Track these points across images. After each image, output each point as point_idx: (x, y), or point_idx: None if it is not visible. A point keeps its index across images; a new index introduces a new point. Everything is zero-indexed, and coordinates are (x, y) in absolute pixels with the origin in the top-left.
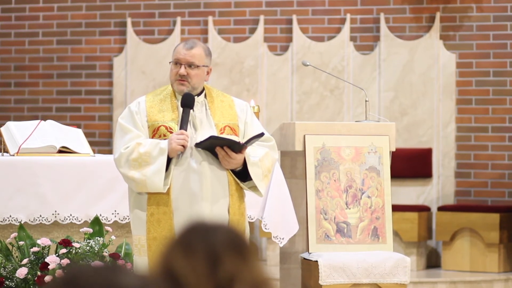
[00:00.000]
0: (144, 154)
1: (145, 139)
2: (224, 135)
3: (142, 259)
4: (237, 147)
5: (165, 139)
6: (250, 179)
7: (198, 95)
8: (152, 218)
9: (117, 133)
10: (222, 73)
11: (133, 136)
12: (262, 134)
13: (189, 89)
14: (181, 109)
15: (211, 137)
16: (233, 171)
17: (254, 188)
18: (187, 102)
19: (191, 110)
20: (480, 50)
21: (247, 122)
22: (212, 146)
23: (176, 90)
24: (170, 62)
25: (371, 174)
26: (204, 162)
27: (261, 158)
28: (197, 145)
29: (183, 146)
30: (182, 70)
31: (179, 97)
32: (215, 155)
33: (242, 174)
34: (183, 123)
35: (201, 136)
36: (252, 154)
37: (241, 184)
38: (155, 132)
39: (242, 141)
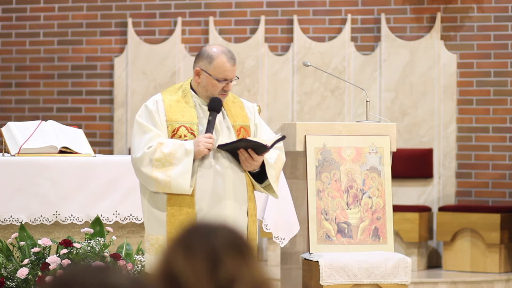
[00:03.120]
0: (168, 155)
1: (167, 139)
2: (250, 138)
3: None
4: (262, 149)
5: (185, 139)
6: (265, 180)
7: None
8: (174, 218)
9: (136, 132)
10: None
11: (153, 135)
12: (284, 137)
13: None
14: (200, 109)
15: (242, 140)
16: (250, 172)
17: (268, 189)
18: (215, 106)
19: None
20: (481, 51)
21: (257, 123)
22: (235, 148)
23: None
24: (205, 73)
25: (372, 175)
26: (227, 164)
27: (276, 160)
28: (221, 146)
29: (208, 149)
30: (231, 87)
31: (196, 97)
32: (235, 157)
33: (257, 176)
34: (210, 126)
35: (223, 138)
36: (268, 156)
37: (257, 186)
38: (174, 132)
39: (269, 143)
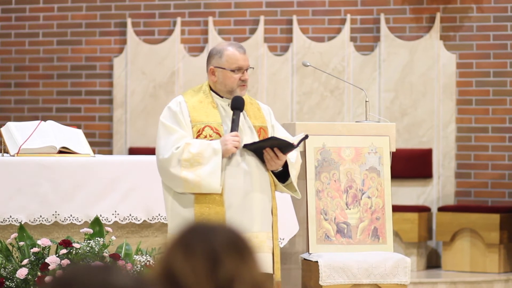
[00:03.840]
0: (196, 155)
1: (193, 140)
2: (278, 136)
3: None
4: (288, 148)
5: (210, 139)
6: (286, 180)
7: None
8: (202, 217)
9: (161, 134)
10: None
11: (180, 136)
12: (307, 136)
13: None
14: (222, 110)
15: (271, 138)
16: (273, 172)
17: (289, 188)
18: (238, 104)
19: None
20: (480, 51)
21: (273, 124)
22: (261, 147)
23: (240, 94)
24: (219, 68)
25: (371, 175)
26: (253, 163)
27: (296, 160)
28: (249, 145)
29: (235, 147)
30: (247, 75)
31: (217, 98)
32: (259, 156)
33: (278, 176)
34: (235, 125)
35: (246, 138)
36: (289, 155)
37: (279, 185)
38: (199, 133)
39: (294, 142)
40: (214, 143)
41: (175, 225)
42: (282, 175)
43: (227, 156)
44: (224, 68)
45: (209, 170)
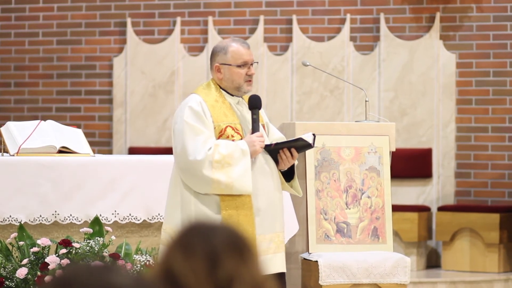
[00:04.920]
0: (227, 156)
1: (220, 140)
2: (303, 136)
3: None
4: (304, 149)
5: (232, 139)
6: (289, 179)
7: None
8: (231, 219)
9: (187, 134)
10: None
11: (207, 137)
12: (315, 136)
13: None
14: (235, 108)
15: (299, 139)
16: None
17: (294, 187)
18: (257, 103)
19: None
20: (480, 50)
21: (267, 122)
22: (279, 148)
23: (246, 91)
24: (225, 65)
25: (371, 174)
26: (272, 164)
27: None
28: (278, 145)
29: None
30: (253, 70)
31: (228, 96)
32: (272, 155)
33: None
34: (257, 125)
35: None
36: None
37: (285, 184)
38: (221, 133)
39: (311, 142)
40: (241, 144)
41: None
42: (285, 174)
43: (254, 156)
44: (230, 64)
45: (240, 172)
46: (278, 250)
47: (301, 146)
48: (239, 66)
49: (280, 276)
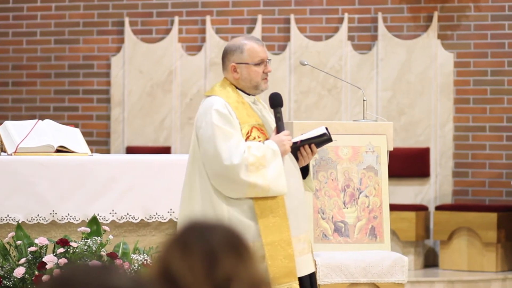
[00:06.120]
0: (261, 158)
1: (250, 142)
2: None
3: None
4: (323, 144)
5: (258, 140)
6: (306, 175)
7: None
8: (267, 222)
9: (219, 139)
10: (220, 72)
11: (238, 140)
12: (327, 129)
13: None
14: (255, 108)
15: (324, 135)
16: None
17: (307, 184)
18: (279, 101)
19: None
20: (478, 50)
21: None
22: (302, 145)
23: (263, 89)
24: (242, 64)
25: (369, 174)
26: (295, 162)
27: None
28: (304, 141)
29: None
30: (270, 67)
31: (246, 96)
32: (293, 153)
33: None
34: (282, 123)
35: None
36: None
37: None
38: (248, 134)
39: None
40: (271, 145)
41: None
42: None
43: (284, 156)
44: (247, 63)
45: (275, 173)
46: (310, 250)
47: (320, 141)
48: (256, 64)
49: (312, 276)
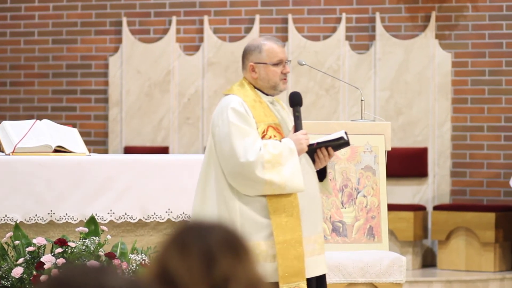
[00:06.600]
0: (277, 155)
1: (267, 140)
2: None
3: (264, 266)
4: (340, 147)
5: (275, 139)
6: (323, 178)
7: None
8: (280, 221)
9: (235, 137)
10: (218, 72)
11: (255, 137)
12: (346, 133)
13: None
14: (272, 108)
15: (341, 138)
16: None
17: (326, 187)
18: (298, 100)
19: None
20: (476, 50)
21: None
22: (318, 147)
23: (281, 89)
24: (260, 64)
25: (367, 174)
26: (311, 163)
27: None
28: (321, 143)
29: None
30: (288, 68)
31: (264, 96)
32: (309, 155)
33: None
34: (300, 122)
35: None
36: None
37: (318, 183)
38: (264, 133)
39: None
40: (288, 143)
41: (248, 231)
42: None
43: (300, 155)
44: (265, 63)
45: (291, 171)
46: (321, 252)
47: (337, 144)
48: (274, 64)
49: (321, 278)
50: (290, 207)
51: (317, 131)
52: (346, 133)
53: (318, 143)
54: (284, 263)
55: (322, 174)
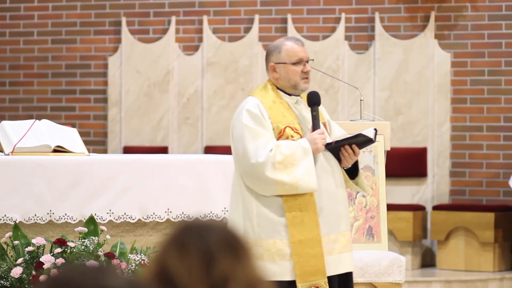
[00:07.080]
0: (289, 156)
1: (280, 141)
2: (364, 132)
3: (281, 264)
4: (365, 145)
5: (292, 139)
6: (355, 176)
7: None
8: (295, 220)
9: (247, 138)
10: (217, 72)
11: (267, 139)
12: (376, 130)
13: None
14: (293, 108)
15: (359, 135)
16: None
17: (360, 185)
18: (316, 100)
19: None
20: (475, 49)
21: (329, 120)
22: (339, 145)
23: (303, 89)
24: (280, 64)
25: (366, 173)
26: (333, 162)
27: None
28: (338, 142)
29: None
30: (309, 67)
31: (285, 96)
32: (334, 153)
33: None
34: (317, 122)
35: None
36: None
37: (350, 182)
38: (281, 134)
39: (372, 137)
40: (303, 143)
41: (263, 230)
42: (349, 172)
43: (316, 155)
44: (285, 63)
45: (304, 171)
46: (343, 250)
47: (362, 142)
48: (294, 63)
49: (347, 276)
50: (306, 206)
51: None
52: (376, 130)
53: (336, 142)
54: (300, 262)
55: (353, 172)
